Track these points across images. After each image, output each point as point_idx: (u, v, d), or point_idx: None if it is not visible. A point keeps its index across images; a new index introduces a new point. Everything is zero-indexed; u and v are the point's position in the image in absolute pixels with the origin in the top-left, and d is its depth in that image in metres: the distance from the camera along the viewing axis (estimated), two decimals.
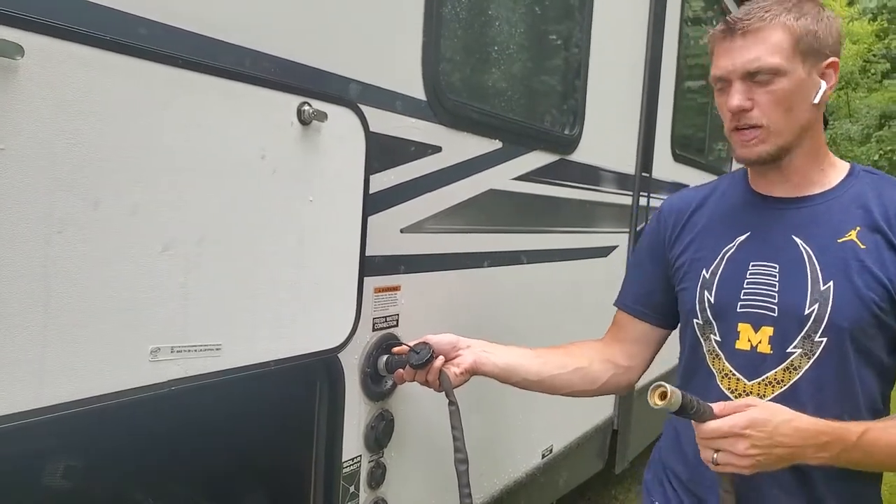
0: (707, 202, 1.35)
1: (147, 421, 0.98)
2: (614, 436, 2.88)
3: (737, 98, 1.16)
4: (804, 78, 1.15)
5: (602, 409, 2.76)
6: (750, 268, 1.22)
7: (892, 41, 9.72)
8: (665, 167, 3.01)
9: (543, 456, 2.27)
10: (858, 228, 1.17)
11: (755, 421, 1.02)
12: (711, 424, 1.03)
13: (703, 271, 1.26)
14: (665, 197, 3.04)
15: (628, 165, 2.69)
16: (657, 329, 1.43)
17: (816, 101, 1.17)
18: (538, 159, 2.02)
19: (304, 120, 1.12)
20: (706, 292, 1.25)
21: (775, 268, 1.20)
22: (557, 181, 2.16)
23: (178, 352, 0.98)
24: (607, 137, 2.50)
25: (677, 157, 3.13)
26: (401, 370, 1.38)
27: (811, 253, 1.18)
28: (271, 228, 1.10)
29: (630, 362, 1.44)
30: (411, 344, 1.34)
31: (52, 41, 0.79)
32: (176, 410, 1.01)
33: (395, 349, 1.40)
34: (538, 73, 2.09)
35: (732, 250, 1.25)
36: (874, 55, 15.82)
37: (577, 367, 1.40)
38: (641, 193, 2.76)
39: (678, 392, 1.01)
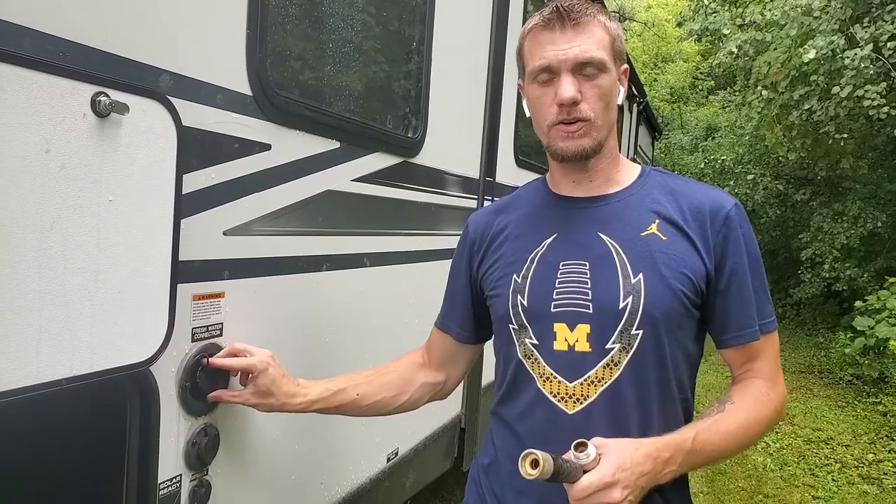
0: (512, 212, 1.35)
1: None
2: (462, 434, 2.93)
3: (571, 89, 1.13)
4: (615, 78, 1.18)
5: (449, 407, 2.79)
6: (560, 267, 1.21)
7: (713, 61, 10.86)
8: (508, 172, 3.10)
9: (389, 460, 2.25)
10: (657, 222, 1.19)
11: (617, 464, 1.01)
12: (583, 483, 0.99)
13: (515, 276, 1.25)
14: None
15: (472, 170, 2.74)
16: (463, 346, 1.45)
17: (620, 101, 1.20)
18: (380, 161, 2.00)
19: (99, 112, 1.01)
20: (519, 296, 1.23)
21: (585, 265, 1.19)
22: (401, 184, 2.15)
23: None
24: (451, 141, 2.53)
25: (520, 163, 3.24)
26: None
27: (618, 248, 1.18)
28: (60, 231, 0.98)
29: (443, 377, 1.48)
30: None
31: None
32: None
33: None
34: (378, 74, 2.06)
35: (542, 252, 1.24)
36: (701, 73, 17.49)
37: (398, 405, 1.44)
38: (486, 197, 2.83)
39: (549, 458, 0.97)
